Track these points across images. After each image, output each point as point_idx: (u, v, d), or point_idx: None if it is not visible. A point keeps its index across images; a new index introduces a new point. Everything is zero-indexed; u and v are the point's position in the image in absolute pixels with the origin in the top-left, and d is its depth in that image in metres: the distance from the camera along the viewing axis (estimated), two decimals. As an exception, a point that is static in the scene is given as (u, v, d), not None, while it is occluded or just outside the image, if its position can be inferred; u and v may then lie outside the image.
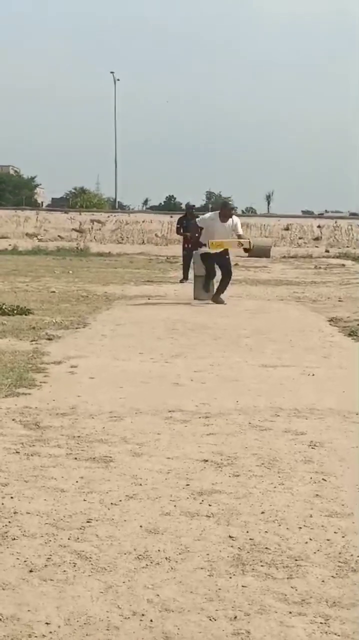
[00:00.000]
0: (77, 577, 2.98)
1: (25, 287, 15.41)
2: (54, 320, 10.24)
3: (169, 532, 3.43)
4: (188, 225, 19.05)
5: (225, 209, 14.43)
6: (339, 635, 2.60)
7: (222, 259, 13.99)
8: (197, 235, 14.08)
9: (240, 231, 14.29)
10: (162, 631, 2.60)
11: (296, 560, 3.18)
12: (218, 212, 14.24)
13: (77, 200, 69.47)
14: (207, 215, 14.97)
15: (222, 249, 13.97)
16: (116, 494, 3.89)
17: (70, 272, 20.54)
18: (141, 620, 2.67)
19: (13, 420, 5.23)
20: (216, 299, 13.48)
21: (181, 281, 18.48)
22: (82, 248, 34.19)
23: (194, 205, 22.79)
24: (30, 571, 3.02)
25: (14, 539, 3.33)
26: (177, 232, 20.88)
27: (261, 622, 2.67)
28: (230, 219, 14.03)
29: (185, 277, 18.67)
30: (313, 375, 7.13)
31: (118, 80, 67.77)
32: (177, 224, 20.76)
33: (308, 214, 63.46)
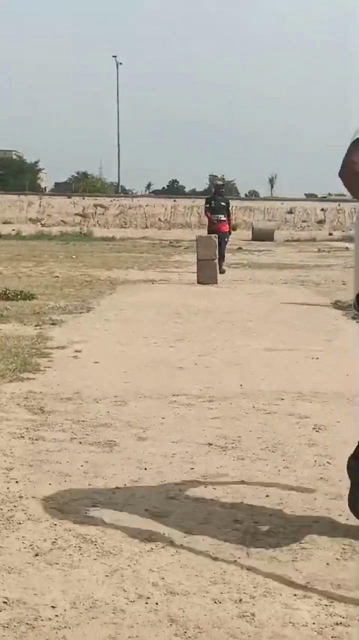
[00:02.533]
0: (82, 561, 2.99)
1: (29, 272, 15.41)
2: (57, 305, 10.25)
3: (173, 515, 3.44)
4: (217, 206, 17.26)
5: None
6: (344, 617, 2.61)
7: None
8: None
9: None
10: (167, 614, 2.61)
11: (301, 543, 3.19)
12: None
13: (80, 185, 69.37)
14: None
15: None
16: (121, 478, 3.90)
17: (74, 256, 20.53)
18: (146, 603, 2.68)
19: (18, 405, 5.24)
20: None
21: (221, 272, 15.77)
22: (86, 233, 34.16)
23: (223, 184, 20.23)
24: (36, 555, 3.03)
25: (20, 523, 3.34)
26: (206, 213, 18.06)
27: (266, 605, 2.68)
28: None
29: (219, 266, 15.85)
30: (317, 358, 7.13)
31: (120, 64, 67.52)
32: (206, 203, 18.17)
33: (311, 197, 63.21)
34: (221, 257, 16.24)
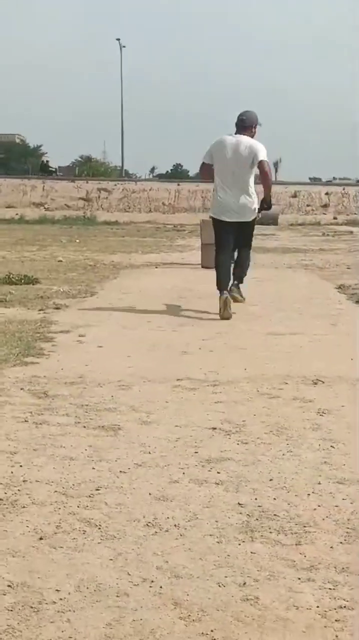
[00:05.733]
0: (86, 545, 2.99)
1: (33, 256, 15.38)
2: (61, 289, 10.24)
3: (178, 499, 3.45)
4: None
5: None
6: (347, 601, 2.61)
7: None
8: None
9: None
10: (171, 597, 2.61)
11: (305, 526, 3.19)
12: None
13: (83, 169, 69.22)
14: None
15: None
16: (125, 462, 3.90)
17: (77, 241, 20.48)
18: (150, 586, 2.68)
19: (21, 389, 5.24)
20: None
21: None
22: (89, 217, 34.05)
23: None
24: (40, 539, 3.04)
25: (24, 506, 3.35)
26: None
27: (270, 588, 2.69)
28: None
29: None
30: (321, 343, 7.12)
31: (124, 47, 67.34)
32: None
33: (316, 181, 63.05)
34: None
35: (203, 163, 8.77)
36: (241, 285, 8.99)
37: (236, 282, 8.85)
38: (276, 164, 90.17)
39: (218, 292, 8.49)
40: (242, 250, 9.02)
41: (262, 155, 8.40)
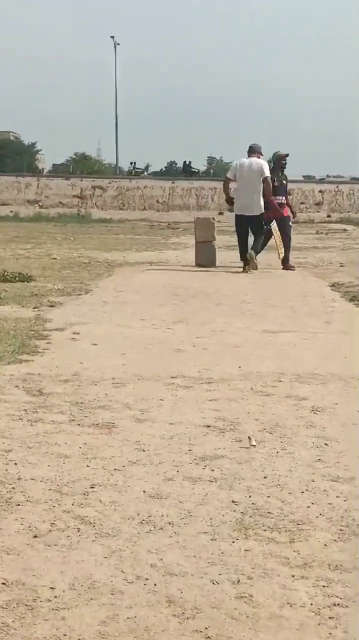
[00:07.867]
0: (81, 542, 3.00)
1: (27, 254, 15.37)
2: (55, 287, 10.24)
3: (172, 497, 3.45)
4: (278, 185, 13.57)
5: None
6: (341, 598, 2.62)
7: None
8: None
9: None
10: (165, 595, 2.62)
11: (299, 524, 3.20)
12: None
13: (78, 167, 69.13)
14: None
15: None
16: (119, 459, 3.91)
17: (72, 238, 20.46)
18: (144, 584, 2.69)
19: (16, 387, 5.24)
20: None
21: (291, 268, 13.64)
22: (84, 214, 34.01)
23: (287, 154, 14.12)
24: (35, 536, 3.04)
25: (18, 504, 3.35)
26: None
27: (264, 586, 2.69)
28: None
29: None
30: (315, 340, 7.13)
31: (118, 44, 67.02)
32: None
33: (309, 178, 62.98)
34: (287, 248, 13.70)
35: (226, 177, 13.82)
36: (255, 256, 13.23)
37: (252, 250, 13.18)
38: (270, 162, 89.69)
39: (242, 261, 13.25)
40: (255, 236, 13.30)
41: (267, 172, 13.01)
